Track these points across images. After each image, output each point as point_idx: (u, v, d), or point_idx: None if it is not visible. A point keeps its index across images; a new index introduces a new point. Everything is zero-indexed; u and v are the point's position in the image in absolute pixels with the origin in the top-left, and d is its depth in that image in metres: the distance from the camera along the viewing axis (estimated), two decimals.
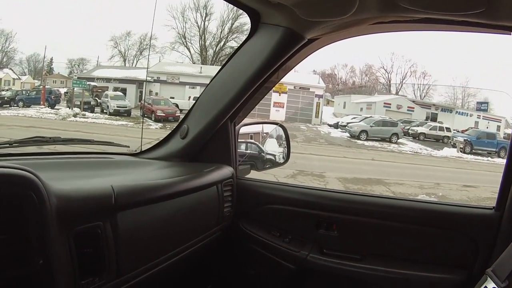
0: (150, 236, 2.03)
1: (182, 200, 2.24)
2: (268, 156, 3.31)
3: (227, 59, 2.71)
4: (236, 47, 2.65)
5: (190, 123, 2.71)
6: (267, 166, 3.23)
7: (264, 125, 3.41)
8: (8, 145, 2.20)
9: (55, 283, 1.51)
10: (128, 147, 2.79)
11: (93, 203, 1.73)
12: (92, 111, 26.14)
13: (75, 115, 24.43)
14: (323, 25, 2.29)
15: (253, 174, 3.03)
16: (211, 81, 2.71)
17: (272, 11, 2.32)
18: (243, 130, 2.98)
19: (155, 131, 21.38)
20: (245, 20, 38.10)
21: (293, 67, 2.76)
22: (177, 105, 26.36)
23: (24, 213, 1.43)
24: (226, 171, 2.68)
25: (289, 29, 2.35)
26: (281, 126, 3.25)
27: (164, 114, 24.84)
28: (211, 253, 2.77)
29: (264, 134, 3.38)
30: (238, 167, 2.88)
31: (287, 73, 2.75)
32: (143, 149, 2.79)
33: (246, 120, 2.95)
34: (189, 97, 27.43)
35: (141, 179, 2.19)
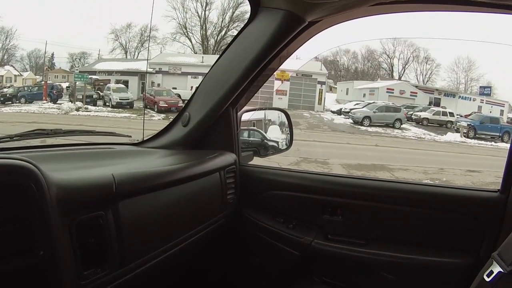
0: (153, 225, 2.02)
1: (184, 187, 2.24)
2: (271, 143, 3.30)
3: (227, 45, 2.68)
4: (236, 34, 2.64)
5: (192, 111, 2.70)
6: (270, 152, 3.23)
7: (267, 111, 3.40)
8: (8, 138, 2.18)
9: (58, 274, 1.51)
10: (130, 136, 2.78)
11: (94, 192, 1.72)
12: (95, 105, 26.15)
13: (77, 109, 24.43)
14: (323, 7, 2.26)
15: (256, 161, 3.02)
16: (211, 67, 2.69)
17: None
18: (246, 117, 2.97)
19: (158, 122, 21.39)
20: (246, 8, 37.89)
21: (294, 52, 2.74)
22: (179, 96, 26.28)
23: (25, 203, 1.42)
24: (228, 157, 2.67)
25: (289, 12, 2.32)
26: (284, 112, 3.22)
27: (166, 105, 24.75)
28: (216, 240, 2.77)
29: (267, 121, 3.37)
30: (240, 153, 2.87)
31: (288, 58, 2.73)
32: (145, 139, 2.79)
33: (248, 107, 2.94)
34: (191, 87, 27.39)
35: (143, 168, 2.18)
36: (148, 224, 1.99)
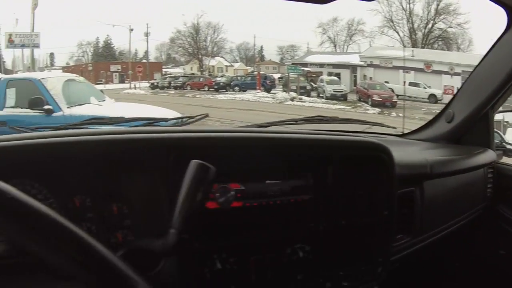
0: (440, 205, 2.36)
1: (461, 176, 2.48)
2: (509, 146, 3.33)
3: (488, 50, 2.71)
4: (496, 39, 2.64)
5: (455, 109, 2.82)
6: None
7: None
8: (294, 122, 2.61)
9: (389, 232, 1.95)
10: (395, 128, 3.09)
11: (414, 171, 2.13)
12: (308, 95, 26.40)
13: (292, 99, 24.94)
14: None
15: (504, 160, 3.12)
16: (473, 70, 2.79)
17: None
18: None
19: (373, 116, 21.14)
20: (449, 0, 36.11)
21: None
22: (392, 90, 25.91)
23: (377, 172, 1.89)
24: (491, 154, 2.75)
25: None
26: None
27: (380, 99, 24.20)
28: (469, 232, 2.92)
29: (505, 123, 3.43)
30: (495, 152, 2.92)
31: None
32: (407, 132, 3.07)
33: (501, 108, 3.02)
34: (404, 82, 26.58)
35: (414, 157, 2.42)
36: (438, 204, 2.33)
